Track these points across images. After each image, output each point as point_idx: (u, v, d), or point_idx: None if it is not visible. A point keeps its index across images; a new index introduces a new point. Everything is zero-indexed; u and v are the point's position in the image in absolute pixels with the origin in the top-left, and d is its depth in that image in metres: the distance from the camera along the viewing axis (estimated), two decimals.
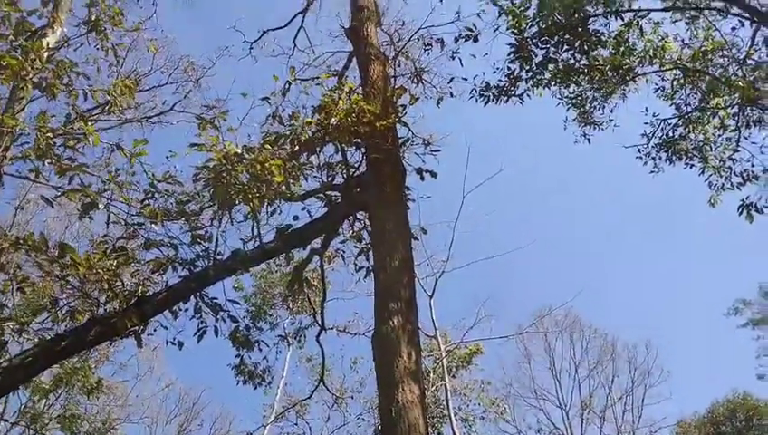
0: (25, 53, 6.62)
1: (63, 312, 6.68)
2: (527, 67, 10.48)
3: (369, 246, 8.08)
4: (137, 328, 6.68)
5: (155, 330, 7.28)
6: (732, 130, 11.60)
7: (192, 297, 7.24)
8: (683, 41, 11.68)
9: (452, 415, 18.88)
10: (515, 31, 10.22)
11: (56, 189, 6.54)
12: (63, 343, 6.19)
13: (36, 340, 6.54)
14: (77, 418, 19.09)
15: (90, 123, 6.99)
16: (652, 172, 12.43)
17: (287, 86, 7.96)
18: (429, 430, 5.90)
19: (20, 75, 6.41)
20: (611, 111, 12.56)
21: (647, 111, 12.09)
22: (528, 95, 11.05)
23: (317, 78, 8.53)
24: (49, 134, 6.28)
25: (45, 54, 6.98)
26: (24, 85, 6.86)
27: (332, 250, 9.39)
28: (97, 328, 6.27)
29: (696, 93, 11.81)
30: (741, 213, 10.94)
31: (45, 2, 8.34)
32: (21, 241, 6.40)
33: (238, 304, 7.92)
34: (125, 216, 6.89)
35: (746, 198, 11.04)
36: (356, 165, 8.02)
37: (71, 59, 7.28)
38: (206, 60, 16.80)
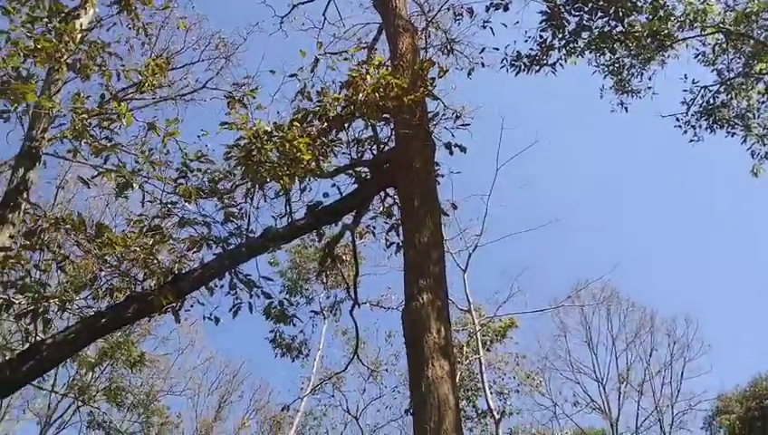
0: (59, 35, 6.71)
1: (103, 289, 6.88)
2: (560, 35, 10.17)
3: (399, 221, 8.07)
4: (174, 304, 6.83)
5: (191, 306, 7.43)
6: None
7: (227, 274, 7.35)
8: (726, 3, 11.18)
9: (486, 388, 18.95)
10: None
11: (95, 168, 6.69)
12: (104, 320, 6.35)
13: (78, 317, 6.75)
14: (122, 390, 19.86)
15: (124, 102, 7.11)
16: (692, 141, 12.05)
17: (315, 62, 7.94)
18: (460, 404, 5.92)
19: (55, 57, 6.51)
20: (650, 79, 12.19)
21: (686, 77, 11.67)
22: (561, 64, 10.76)
23: (345, 51, 8.47)
24: (84, 115, 6.41)
25: (79, 36, 7.07)
26: (59, 67, 6.98)
27: (363, 226, 9.40)
28: (135, 305, 6.41)
29: (739, 58, 11.32)
30: None
31: None
32: (61, 221, 6.60)
33: (271, 280, 7.99)
34: (160, 194, 7.03)
35: None
36: (385, 140, 7.97)
37: (103, 39, 7.39)
38: (236, 36, 16.78)
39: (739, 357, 35.30)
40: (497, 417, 18.64)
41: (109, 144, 6.45)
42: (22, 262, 6.41)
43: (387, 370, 23.28)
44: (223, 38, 16.52)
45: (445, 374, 5.67)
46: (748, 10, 10.53)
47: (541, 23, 10.40)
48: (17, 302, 6.50)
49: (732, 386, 27.84)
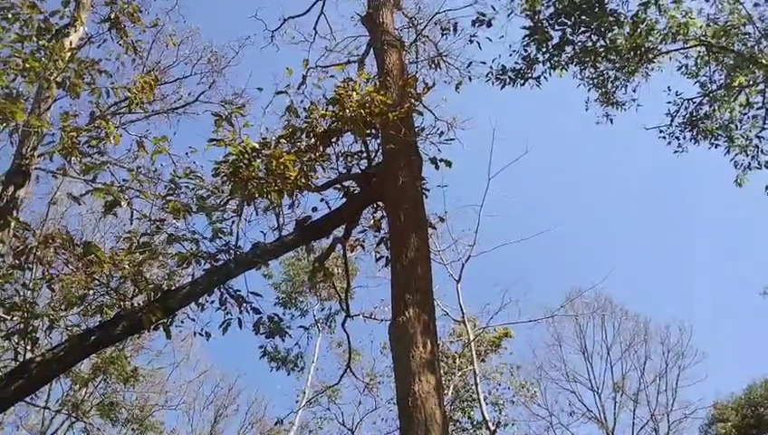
0: (49, 54, 6.80)
1: (93, 307, 6.90)
2: (543, 49, 10.31)
3: (388, 235, 8.13)
4: (164, 321, 6.87)
5: (182, 321, 7.45)
6: (758, 108, 11.30)
7: (216, 290, 7.38)
8: (707, 15, 11.35)
9: (481, 399, 18.92)
10: (530, 13, 10.06)
11: (87, 183, 6.75)
12: (93, 338, 6.35)
13: (68, 334, 6.77)
14: (116, 405, 19.75)
15: (117, 117, 7.19)
16: (676, 152, 12.22)
17: (303, 80, 8.06)
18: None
19: (44, 76, 6.60)
20: (634, 91, 12.35)
21: (669, 90, 11.84)
22: (545, 77, 10.91)
23: (331, 66, 8.58)
24: (73, 133, 6.48)
25: (68, 54, 7.16)
26: (48, 86, 7.07)
27: (353, 239, 9.46)
28: (124, 322, 6.42)
29: (721, 71, 11.48)
30: None
31: (66, 1, 8.58)
32: (50, 239, 6.64)
33: (260, 295, 8.00)
34: (149, 211, 7.09)
35: None
36: (375, 154, 8.05)
37: (93, 57, 7.49)
38: (229, 49, 16.97)
39: (734, 365, 35.39)
40: (492, 428, 18.57)
41: (98, 161, 6.53)
42: (11, 281, 6.45)
43: (380, 382, 23.20)
44: (215, 52, 16.71)
45: (431, 389, 5.70)
46: (728, 23, 10.72)
47: (524, 37, 10.57)
48: (8, 319, 6.53)
49: (727, 394, 27.90)
